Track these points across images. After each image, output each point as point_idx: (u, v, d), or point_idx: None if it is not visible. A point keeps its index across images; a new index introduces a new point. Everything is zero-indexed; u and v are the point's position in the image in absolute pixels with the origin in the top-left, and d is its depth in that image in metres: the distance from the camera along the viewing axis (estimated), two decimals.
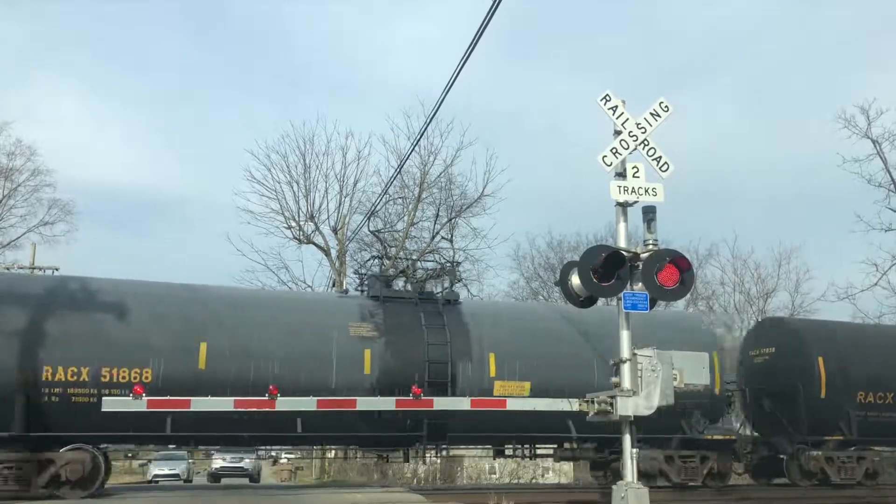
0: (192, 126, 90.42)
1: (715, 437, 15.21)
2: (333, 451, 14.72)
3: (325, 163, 32.16)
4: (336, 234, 31.89)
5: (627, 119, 10.07)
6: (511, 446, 15.25)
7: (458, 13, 79.00)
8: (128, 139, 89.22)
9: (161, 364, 12.17)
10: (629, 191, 9.91)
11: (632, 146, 10.00)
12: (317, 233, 31.74)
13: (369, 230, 31.95)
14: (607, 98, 10.14)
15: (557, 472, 26.57)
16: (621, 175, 10.00)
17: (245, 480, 30.80)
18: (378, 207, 30.67)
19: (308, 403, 11.83)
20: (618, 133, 10.04)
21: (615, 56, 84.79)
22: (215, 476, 31.75)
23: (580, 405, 10.43)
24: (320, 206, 31.82)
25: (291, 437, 13.15)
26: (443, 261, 30.49)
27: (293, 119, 41.43)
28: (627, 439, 9.66)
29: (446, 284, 16.60)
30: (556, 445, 14.98)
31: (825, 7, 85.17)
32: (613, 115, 10.09)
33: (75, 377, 11.69)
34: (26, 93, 77.93)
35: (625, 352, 9.73)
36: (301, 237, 31.20)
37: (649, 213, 10.08)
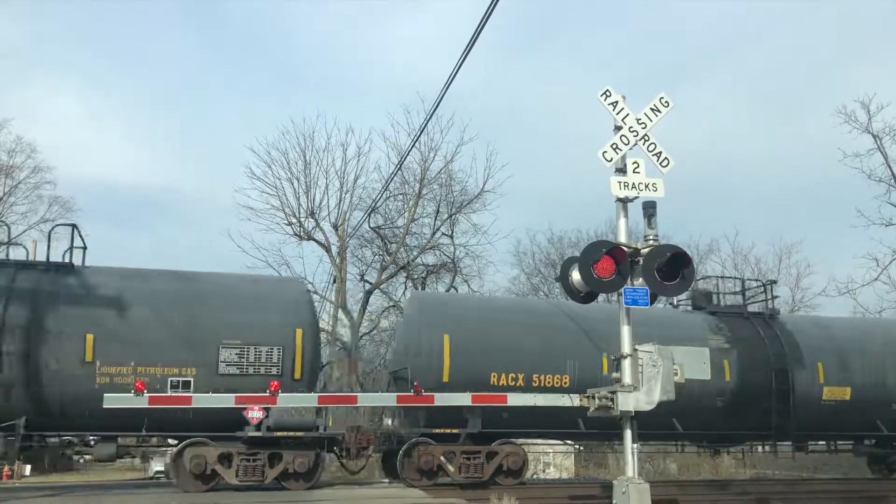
0: (193, 123, 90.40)
1: None
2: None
3: (326, 159, 32.13)
4: (336, 230, 31.88)
5: (628, 115, 10.04)
6: (815, 443, 17.48)
7: (459, 10, 78.94)
8: (128, 136, 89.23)
9: (576, 371, 14.37)
10: (629, 186, 9.88)
11: (632, 142, 9.97)
12: (317, 229, 31.77)
13: (370, 226, 32.02)
14: (608, 93, 10.12)
15: (559, 467, 26.61)
16: (622, 171, 9.98)
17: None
18: (378, 204, 30.70)
19: (309, 399, 12.02)
20: (618, 129, 10.02)
21: (615, 52, 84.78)
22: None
23: (581, 400, 10.45)
24: (321, 203, 31.82)
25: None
26: (444, 257, 30.51)
27: (293, 116, 41.60)
28: (628, 434, 9.66)
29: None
30: (852, 442, 17.40)
31: (825, 3, 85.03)
32: (614, 110, 10.07)
33: (514, 382, 13.98)
34: (26, 91, 77.92)
35: (625, 347, 9.73)
36: (301, 234, 31.22)
37: (650, 208, 10.06)
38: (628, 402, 9.55)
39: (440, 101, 13.65)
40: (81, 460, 13.84)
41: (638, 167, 10.00)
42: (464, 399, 12.66)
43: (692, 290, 17.27)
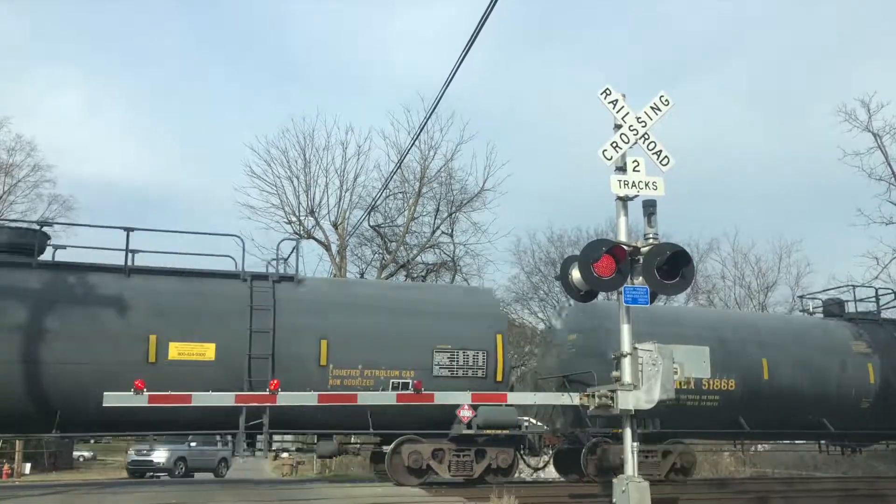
0: (192, 122, 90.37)
1: None
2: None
3: (326, 158, 32.18)
4: (336, 229, 31.90)
5: (628, 113, 10.01)
6: None
7: (459, 8, 78.87)
8: (127, 135, 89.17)
9: (740, 377, 15.61)
10: (629, 185, 9.85)
11: (632, 140, 9.95)
12: (317, 228, 31.79)
13: (369, 225, 32.02)
14: (608, 92, 10.09)
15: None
16: (622, 169, 9.95)
17: (165, 476, 27.30)
18: (378, 202, 30.72)
19: (309, 398, 11.99)
20: (618, 127, 9.99)
21: (615, 51, 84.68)
22: (132, 471, 28.48)
23: (581, 399, 10.45)
24: (321, 202, 31.87)
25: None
26: (443, 256, 30.49)
27: (293, 114, 41.65)
28: (628, 433, 9.66)
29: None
30: None
31: (825, 2, 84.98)
32: (614, 109, 10.04)
33: (686, 385, 14.73)
34: (25, 88, 77.84)
35: (625, 346, 9.72)
36: (301, 232, 31.22)
37: (650, 207, 10.04)
38: (628, 401, 9.53)
39: (440, 100, 13.69)
40: (82, 458, 13.82)
41: (638, 166, 9.97)
42: (464, 398, 12.69)
43: (825, 298, 19.30)
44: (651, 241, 9.87)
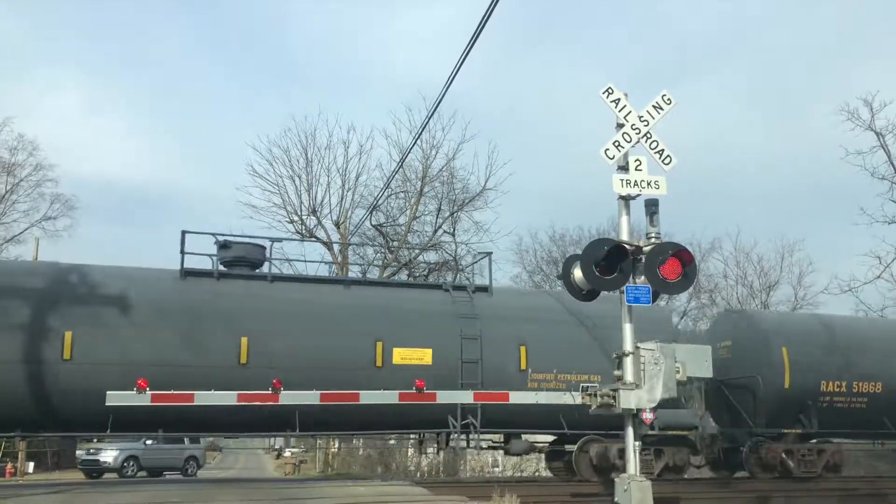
0: (193, 120, 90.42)
1: None
2: (337, 444, 15.38)
3: (328, 157, 32.17)
4: (338, 228, 31.90)
5: (630, 112, 10.00)
6: None
7: (459, 8, 78.84)
8: (128, 134, 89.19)
9: (886, 380, 16.51)
10: (631, 184, 9.85)
11: (634, 139, 9.94)
12: (319, 227, 31.78)
13: (371, 224, 32.00)
14: (610, 91, 10.08)
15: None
16: (624, 168, 9.95)
17: (114, 476, 26.67)
18: (380, 201, 30.70)
19: (311, 397, 11.99)
20: (620, 126, 9.99)
21: (616, 51, 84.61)
22: (84, 471, 27.65)
23: (582, 398, 10.44)
24: (322, 201, 31.85)
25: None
26: (445, 255, 30.51)
27: (295, 114, 41.68)
28: (630, 432, 9.66)
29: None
30: None
31: (825, 1, 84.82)
32: (616, 108, 10.03)
33: (838, 388, 16.29)
34: (25, 88, 77.91)
35: (627, 345, 9.72)
36: (303, 231, 31.23)
37: (652, 206, 10.03)
38: (630, 400, 9.53)
39: (441, 99, 13.64)
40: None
41: (640, 165, 9.97)
42: (466, 397, 12.74)
43: None
44: (653, 240, 9.87)
